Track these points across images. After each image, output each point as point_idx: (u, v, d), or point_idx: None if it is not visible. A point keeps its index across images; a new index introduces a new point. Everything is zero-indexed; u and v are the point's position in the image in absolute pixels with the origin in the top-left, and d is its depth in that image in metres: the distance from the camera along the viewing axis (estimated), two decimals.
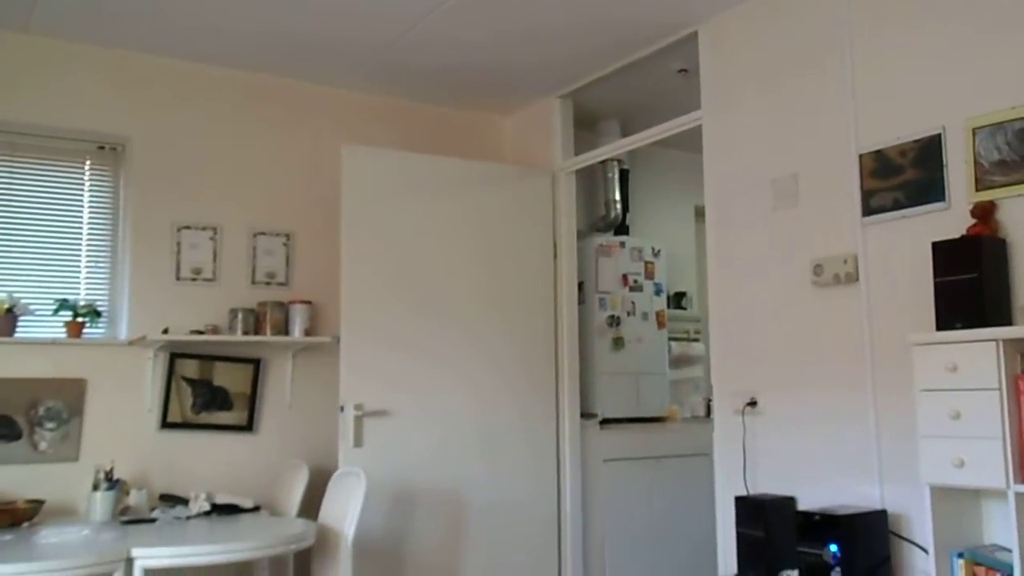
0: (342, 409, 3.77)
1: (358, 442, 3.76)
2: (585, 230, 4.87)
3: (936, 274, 2.60)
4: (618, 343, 4.69)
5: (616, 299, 4.74)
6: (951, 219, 2.76)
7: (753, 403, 3.39)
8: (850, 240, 3.09)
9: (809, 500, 3.12)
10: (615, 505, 4.43)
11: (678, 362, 5.19)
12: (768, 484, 3.32)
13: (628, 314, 4.76)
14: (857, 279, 3.06)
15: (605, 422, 4.51)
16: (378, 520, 3.77)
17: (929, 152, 2.83)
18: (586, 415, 4.43)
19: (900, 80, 2.96)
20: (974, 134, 2.71)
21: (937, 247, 2.62)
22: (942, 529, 2.52)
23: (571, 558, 4.22)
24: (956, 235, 2.65)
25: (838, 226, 3.13)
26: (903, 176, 2.91)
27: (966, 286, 2.52)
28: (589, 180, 4.97)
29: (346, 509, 3.11)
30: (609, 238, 4.85)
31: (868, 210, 3.01)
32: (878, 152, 2.99)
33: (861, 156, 3.04)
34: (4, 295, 3.56)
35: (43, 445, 3.55)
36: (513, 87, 4.44)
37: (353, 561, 3.06)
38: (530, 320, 4.30)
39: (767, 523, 3.08)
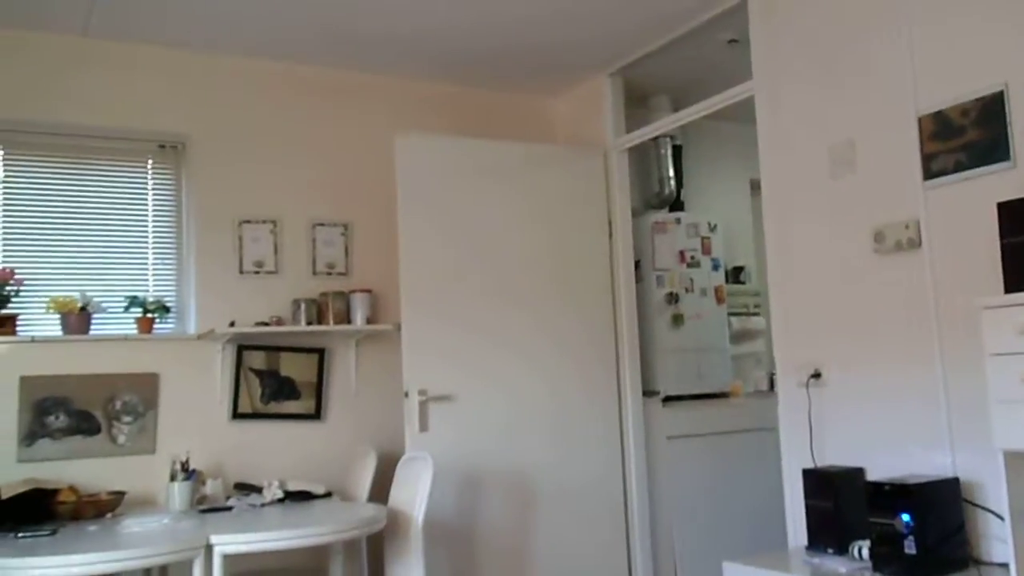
0: (407, 395, 3.83)
1: (423, 427, 3.81)
2: (640, 208, 4.85)
3: (1003, 235, 2.54)
4: (677, 320, 4.67)
5: (674, 276, 4.72)
6: (1017, 179, 2.69)
7: (817, 375, 3.36)
8: (911, 205, 3.03)
9: (879, 470, 3.08)
10: (681, 482, 4.42)
11: (739, 337, 5.15)
12: (836, 456, 3.29)
13: (686, 291, 4.74)
14: (920, 245, 3.00)
15: (668, 400, 4.50)
16: (447, 503, 3.82)
17: (992, 110, 2.76)
18: (648, 393, 4.43)
19: (959, 38, 2.89)
20: None
21: (1003, 207, 2.55)
22: (1018, 495, 2.47)
23: (639, 536, 4.24)
24: (1022, 195, 2.58)
25: (898, 191, 3.07)
26: (965, 137, 2.84)
27: None
28: (642, 157, 4.95)
29: (415, 493, 3.16)
30: (664, 215, 4.83)
31: (929, 173, 2.95)
32: (938, 113, 2.92)
33: (920, 118, 2.98)
34: (77, 294, 3.68)
35: (121, 439, 3.67)
36: (562, 67, 4.43)
37: (424, 544, 3.11)
38: (589, 300, 4.31)
39: (836, 495, 3.06)
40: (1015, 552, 2.43)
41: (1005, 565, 2.53)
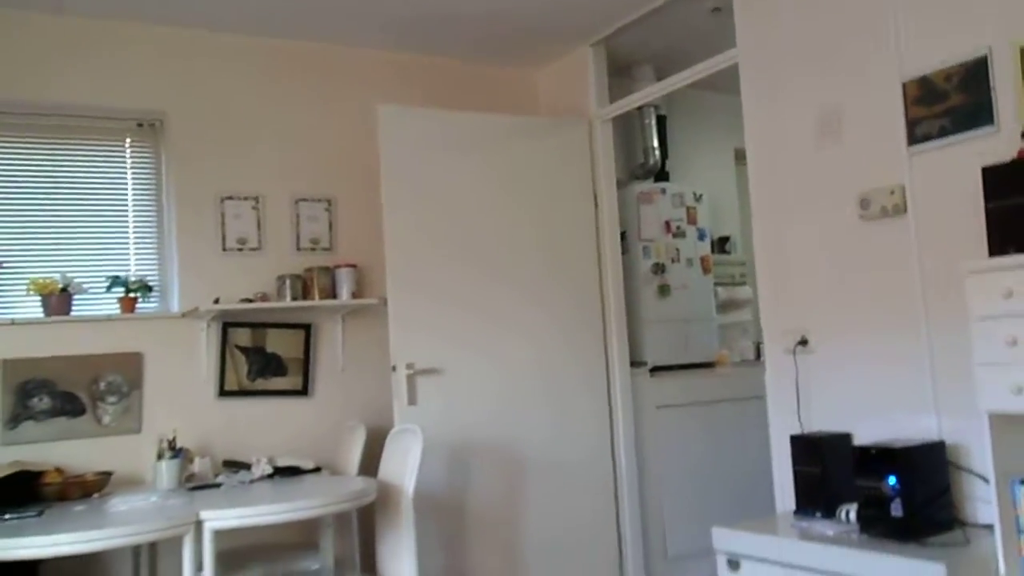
0: (394, 369, 3.82)
1: (412, 400, 3.81)
2: (625, 178, 4.84)
3: (987, 199, 2.54)
4: (664, 291, 4.67)
5: (660, 247, 4.72)
6: (1001, 143, 2.69)
7: (804, 342, 3.37)
8: (896, 171, 3.03)
9: (865, 435, 3.11)
10: (669, 451, 4.45)
11: (725, 307, 5.16)
12: (822, 422, 3.31)
13: (672, 261, 4.73)
14: (905, 211, 3.00)
15: (655, 370, 4.51)
16: (437, 476, 3.83)
17: (975, 75, 2.75)
18: (636, 364, 4.43)
19: (943, 3, 2.87)
20: (1022, 53, 2.62)
21: (987, 171, 2.55)
22: (1002, 457, 2.49)
23: (628, 504, 4.26)
24: (1007, 159, 2.58)
25: (883, 157, 3.07)
26: (949, 102, 2.84)
27: (1018, 210, 2.46)
28: (626, 128, 4.92)
29: (404, 465, 3.16)
30: (649, 185, 4.81)
31: (914, 139, 2.95)
32: (922, 79, 2.91)
33: (905, 84, 2.97)
34: (58, 275, 3.64)
35: (106, 419, 3.65)
36: (545, 37, 4.40)
37: (415, 516, 3.12)
38: (575, 271, 4.30)
39: (824, 460, 3.08)
40: (999, 513, 2.45)
41: (990, 526, 2.56)
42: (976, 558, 2.48)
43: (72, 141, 3.80)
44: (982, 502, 2.79)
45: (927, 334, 2.95)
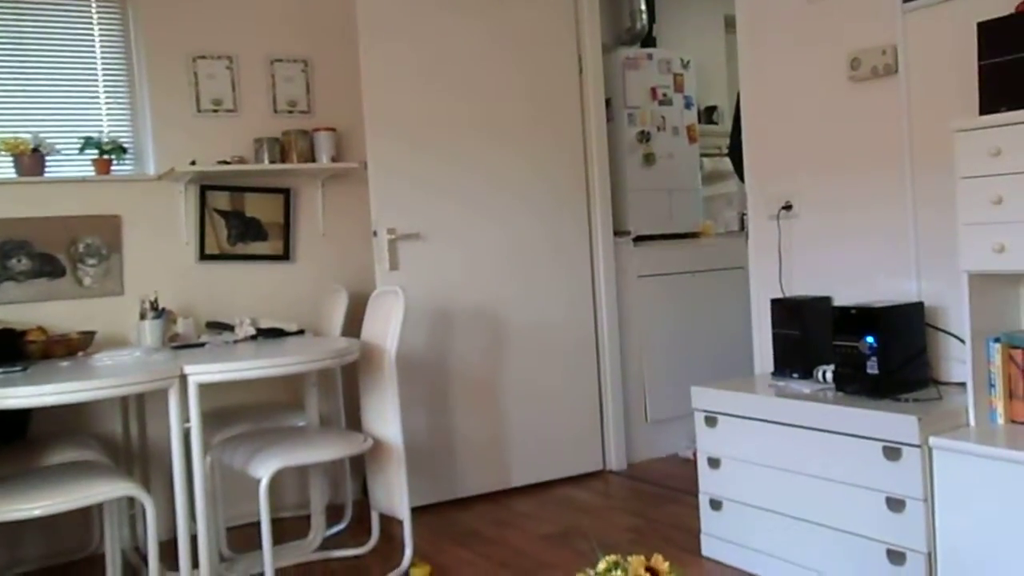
0: (375, 234, 3.79)
1: (394, 265, 3.79)
2: (610, 43, 4.71)
3: (981, 56, 2.49)
4: (649, 159, 4.62)
5: (645, 114, 4.64)
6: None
7: (788, 207, 3.36)
8: (888, 30, 2.96)
9: (846, 299, 3.13)
10: (650, 318, 4.49)
11: (711, 178, 5.13)
12: (804, 287, 3.34)
13: (658, 129, 4.67)
14: (896, 71, 2.95)
15: (639, 240, 4.51)
16: (419, 339, 3.86)
17: None
18: (619, 233, 4.42)
19: None
20: None
21: (983, 27, 2.50)
22: (979, 316, 2.53)
23: (610, 370, 4.32)
24: (1003, 14, 2.52)
25: (875, 15, 2.99)
26: None
27: (1014, 66, 2.42)
28: None
29: (387, 326, 3.17)
30: (636, 51, 4.69)
31: None
32: None
33: None
34: (28, 135, 3.55)
35: (87, 281, 3.62)
36: None
37: (399, 377, 3.15)
38: (559, 138, 4.23)
39: (803, 322, 3.12)
40: (972, 368, 2.50)
41: (963, 384, 2.61)
42: (948, 411, 2.54)
43: None
44: (957, 361, 2.85)
45: (912, 198, 2.95)
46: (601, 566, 1.58)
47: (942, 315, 2.90)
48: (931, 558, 2.46)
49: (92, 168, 3.67)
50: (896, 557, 2.52)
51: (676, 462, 4.42)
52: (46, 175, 3.56)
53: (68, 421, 3.44)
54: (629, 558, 1.58)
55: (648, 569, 1.56)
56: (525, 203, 4.14)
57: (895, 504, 2.52)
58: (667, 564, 1.59)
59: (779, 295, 3.34)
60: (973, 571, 2.37)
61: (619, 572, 1.55)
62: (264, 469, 2.80)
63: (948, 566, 2.42)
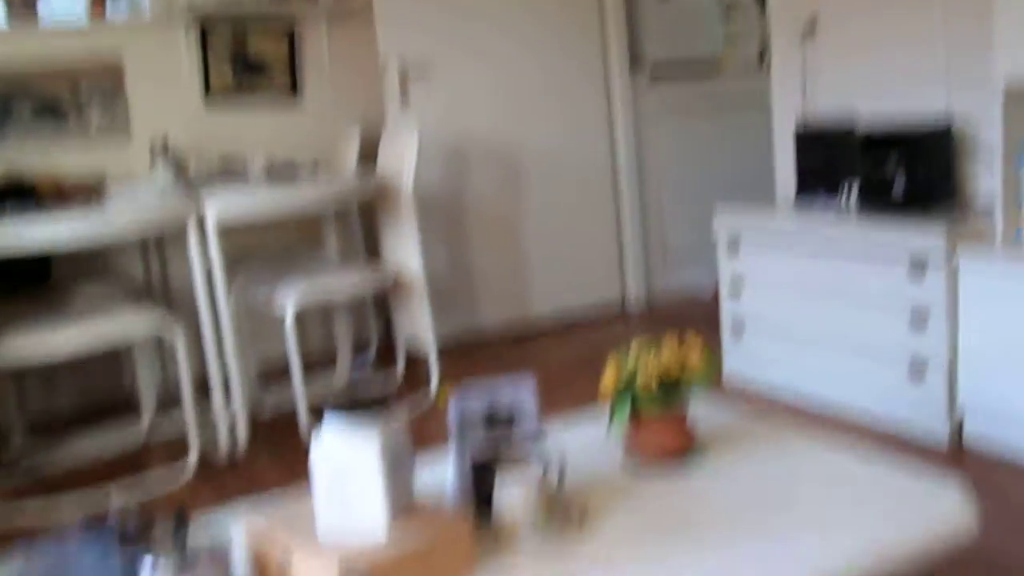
0: (384, 66, 3.68)
1: (405, 101, 3.71)
2: None
3: None
4: None
5: None
6: None
7: (812, 23, 3.22)
8: None
9: (870, 114, 3.03)
10: (669, 152, 4.42)
11: (732, 7, 4.91)
12: (828, 104, 3.23)
13: None
14: None
15: (656, 77, 4.36)
16: (435, 175, 3.82)
17: None
18: (635, 61, 4.27)
19: None
20: None
21: None
22: (1012, 130, 2.45)
23: (628, 203, 4.29)
24: None
25: None
26: None
27: None
28: None
29: (402, 161, 3.12)
30: None
31: None
32: None
33: None
34: None
35: (94, 127, 3.55)
36: None
37: (416, 211, 3.12)
38: None
39: (828, 149, 3.04)
40: (1003, 181, 2.45)
41: (991, 203, 2.57)
42: (975, 227, 2.51)
43: None
44: (985, 180, 2.79)
45: (942, 9, 2.82)
46: (634, 347, 1.61)
47: (972, 129, 2.82)
48: (951, 368, 2.48)
49: (86, 12, 3.53)
50: (916, 373, 2.55)
51: (695, 302, 4.43)
52: (40, 23, 3.43)
53: (88, 267, 3.45)
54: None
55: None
56: (538, 35, 4.00)
57: (918, 320, 2.53)
58: (700, 340, 1.61)
59: (801, 111, 3.25)
60: (993, 381, 2.40)
61: (651, 352, 1.58)
62: (290, 300, 2.81)
63: (969, 376, 2.45)
